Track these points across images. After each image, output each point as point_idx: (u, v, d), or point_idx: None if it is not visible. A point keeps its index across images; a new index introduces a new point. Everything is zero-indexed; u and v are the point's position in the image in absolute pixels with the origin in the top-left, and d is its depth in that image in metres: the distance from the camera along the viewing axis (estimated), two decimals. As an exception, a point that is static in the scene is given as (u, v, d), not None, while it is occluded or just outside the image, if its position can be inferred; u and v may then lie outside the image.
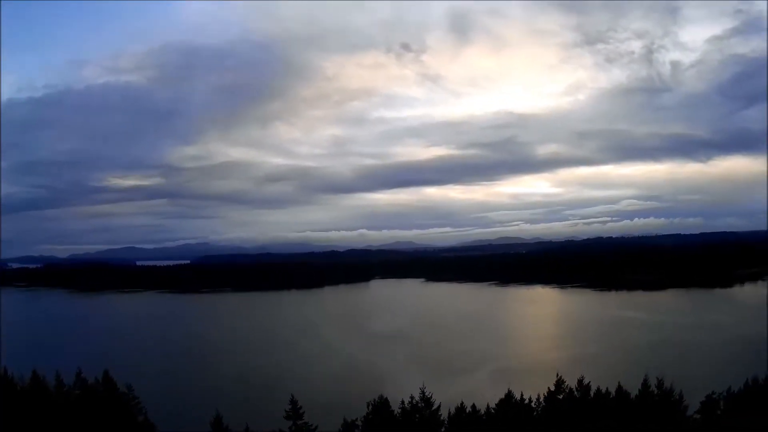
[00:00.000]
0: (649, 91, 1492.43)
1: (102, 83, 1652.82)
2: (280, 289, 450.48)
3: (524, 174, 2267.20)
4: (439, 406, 79.67)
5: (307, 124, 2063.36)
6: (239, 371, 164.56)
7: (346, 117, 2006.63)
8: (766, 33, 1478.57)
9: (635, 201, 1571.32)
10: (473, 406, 79.63)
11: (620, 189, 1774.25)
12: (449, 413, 79.44)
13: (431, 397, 79.69)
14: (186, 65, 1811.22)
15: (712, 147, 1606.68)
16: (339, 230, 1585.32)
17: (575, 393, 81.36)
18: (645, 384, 78.91)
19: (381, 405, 79.07)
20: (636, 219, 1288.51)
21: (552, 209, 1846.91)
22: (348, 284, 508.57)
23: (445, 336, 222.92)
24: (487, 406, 79.93)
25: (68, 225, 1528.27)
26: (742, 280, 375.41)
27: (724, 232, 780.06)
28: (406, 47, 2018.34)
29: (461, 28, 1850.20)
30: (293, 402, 77.26)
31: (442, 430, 79.32)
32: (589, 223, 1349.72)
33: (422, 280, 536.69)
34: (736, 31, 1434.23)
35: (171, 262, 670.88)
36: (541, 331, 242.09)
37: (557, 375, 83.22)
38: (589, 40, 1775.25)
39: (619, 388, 79.98)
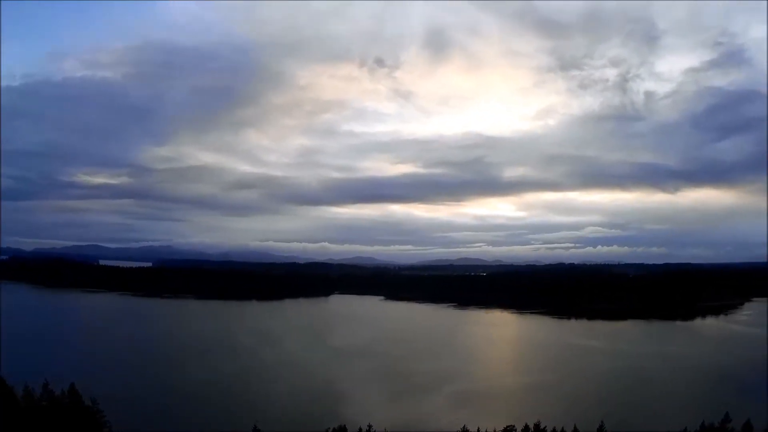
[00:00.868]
0: (621, 119, 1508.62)
1: (80, 77, 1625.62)
2: (242, 299, 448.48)
3: (490, 196, 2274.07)
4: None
5: (277, 133, 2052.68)
6: (201, 381, 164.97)
7: (317, 128, 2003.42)
8: (744, 66, 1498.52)
9: (600, 228, 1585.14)
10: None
11: (585, 215, 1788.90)
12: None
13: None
14: (164, 64, 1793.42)
15: (681, 177, 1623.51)
16: (301, 242, 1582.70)
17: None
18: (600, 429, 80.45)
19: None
20: (599, 246, 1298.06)
21: (515, 233, 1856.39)
22: (308, 297, 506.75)
23: (403, 356, 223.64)
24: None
25: (36, 218, 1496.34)
26: (703, 313, 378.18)
27: (688, 264, 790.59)
28: (380, 62, 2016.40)
29: (437, 45, 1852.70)
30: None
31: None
32: (551, 248, 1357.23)
33: (381, 297, 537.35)
34: (713, 64, 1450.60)
35: (134, 264, 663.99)
36: (500, 355, 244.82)
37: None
38: (564, 65, 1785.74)
39: (575, 430, 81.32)
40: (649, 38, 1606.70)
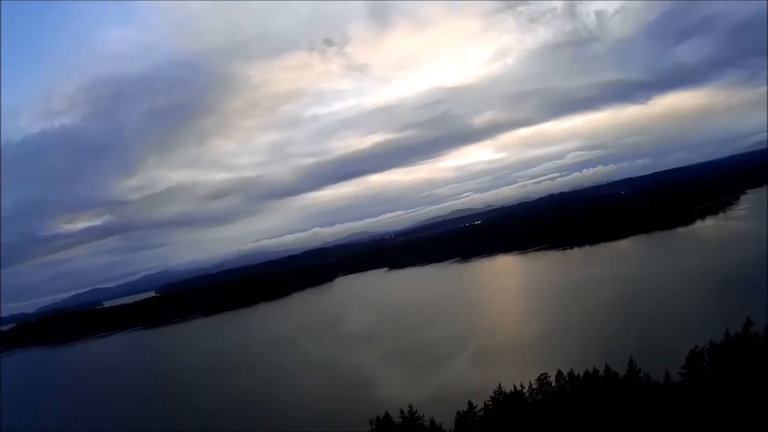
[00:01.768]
0: (576, 44, 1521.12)
1: (38, 131, 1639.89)
2: (249, 305, 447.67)
3: (465, 145, 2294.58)
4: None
5: (242, 135, 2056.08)
6: (229, 399, 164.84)
7: (280, 121, 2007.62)
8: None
9: (581, 152, 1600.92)
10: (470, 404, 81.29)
11: (564, 144, 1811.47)
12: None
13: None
14: (116, 96, 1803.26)
15: (649, 87, 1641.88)
16: (292, 233, 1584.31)
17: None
18: (631, 364, 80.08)
19: (383, 421, 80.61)
20: (584, 170, 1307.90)
21: (499, 175, 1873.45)
22: (313, 287, 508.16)
23: (418, 325, 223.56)
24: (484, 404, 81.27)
25: (29, 278, 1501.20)
26: (702, 215, 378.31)
27: (675, 169, 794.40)
28: (328, 42, 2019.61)
29: (381, 14, 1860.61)
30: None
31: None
32: (538, 182, 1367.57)
33: (385, 269, 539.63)
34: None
35: (136, 297, 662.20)
36: (512, 303, 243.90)
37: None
38: (510, 4, 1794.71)
39: (607, 368, 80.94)
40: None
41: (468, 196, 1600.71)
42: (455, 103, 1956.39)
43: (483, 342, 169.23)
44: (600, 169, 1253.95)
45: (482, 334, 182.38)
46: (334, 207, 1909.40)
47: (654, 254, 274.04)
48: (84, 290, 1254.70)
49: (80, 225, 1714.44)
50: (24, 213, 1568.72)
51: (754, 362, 73.38)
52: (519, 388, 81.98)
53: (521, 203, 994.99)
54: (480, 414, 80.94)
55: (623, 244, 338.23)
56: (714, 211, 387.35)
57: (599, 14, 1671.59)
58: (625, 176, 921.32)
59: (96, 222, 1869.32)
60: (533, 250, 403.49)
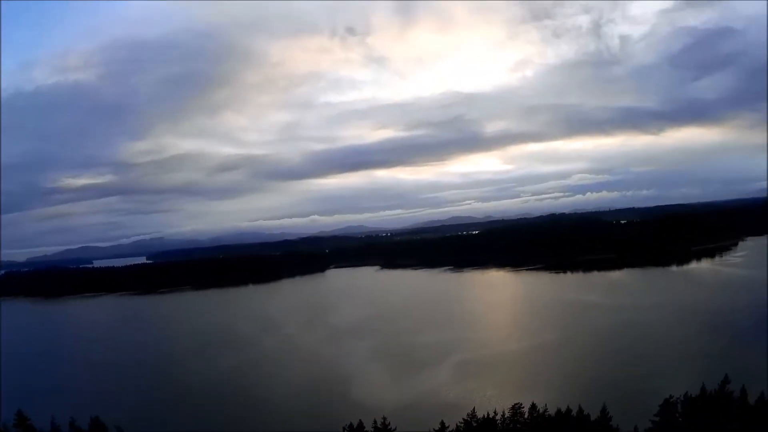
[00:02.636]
0: (597, 65, 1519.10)
1: (52, 83, 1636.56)
2: (238, 285, 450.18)
3: (473, 152, 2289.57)
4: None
5: (254, 111, 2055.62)
6: (210, 379, 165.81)
7: (293, 102, 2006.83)
8: (716, 3, 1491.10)
9: (587, 175, 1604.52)
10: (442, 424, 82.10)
11: (571, 163, 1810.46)
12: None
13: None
14: (133, 60, 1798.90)
15: (663, 118, 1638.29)
16: (291, 217, 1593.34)
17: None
18: (603, 411, 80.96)
19: (356, 429, 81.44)
20: (588, 193, 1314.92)
21: (503, 186, 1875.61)
22: (304, 275, 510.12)
23: (405, 327, 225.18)
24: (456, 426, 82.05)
25: (25, 228, 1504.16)
26: (698, 257, 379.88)
27: (679, 204, 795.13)
28: (350, 30, 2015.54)
29: (406, 8, 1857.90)
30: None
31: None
32: (541, 199, 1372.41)
33: (377, 267, 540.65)
34: (686, 3, 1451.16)
35: (127, 261, 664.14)
36: (500, 319, 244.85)
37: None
38: (536, 15, 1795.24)
39: (580, 410, 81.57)
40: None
41: (469, 204, 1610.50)
42: (469, 108, 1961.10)
43: (466, 355, 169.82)
44: (604, 194, 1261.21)
45: (466, 346, 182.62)
46: (335, 196, 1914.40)
47: (646, 289, 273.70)
48: (76, 246, 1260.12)
49: (82, 181, 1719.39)
50: (29, 163, 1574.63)
51: (726, 423, 74.39)
52: (492, 415, 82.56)
53: (521, 218, 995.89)
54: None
55: (617, 275, 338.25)
56: (711, 254, 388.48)
57: (624, 38, 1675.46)
58: (629, 205, 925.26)
59: (98, 180, 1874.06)
60: (526, 269, 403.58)
